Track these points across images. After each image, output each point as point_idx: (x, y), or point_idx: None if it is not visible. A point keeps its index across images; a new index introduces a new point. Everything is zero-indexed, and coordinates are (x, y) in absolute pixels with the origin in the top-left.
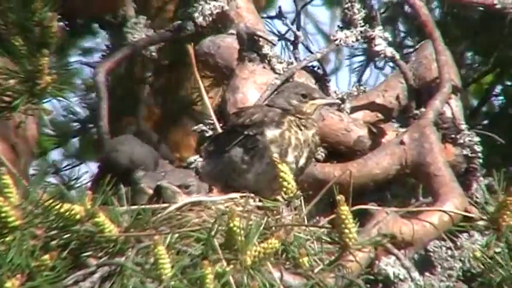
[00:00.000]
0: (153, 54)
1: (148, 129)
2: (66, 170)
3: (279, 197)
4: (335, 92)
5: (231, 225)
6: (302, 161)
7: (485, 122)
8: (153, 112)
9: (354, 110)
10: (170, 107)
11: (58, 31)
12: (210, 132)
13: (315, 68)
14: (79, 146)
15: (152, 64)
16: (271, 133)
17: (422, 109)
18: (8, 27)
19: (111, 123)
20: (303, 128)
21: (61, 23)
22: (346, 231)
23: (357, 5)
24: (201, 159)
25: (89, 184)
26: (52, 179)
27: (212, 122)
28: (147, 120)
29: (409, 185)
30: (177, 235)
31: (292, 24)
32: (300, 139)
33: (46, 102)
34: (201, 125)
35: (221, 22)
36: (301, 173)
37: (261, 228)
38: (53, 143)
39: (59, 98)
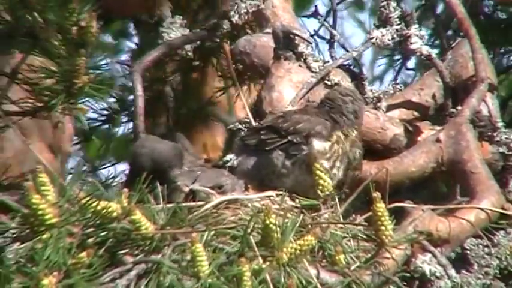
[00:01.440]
0: (189, 53)
1: (174, 131)
2: (102, 168)
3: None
4: (371, 91)
5: (267, 222)
6: (341, 173)
7: None
8: (180, 113)
9: (390, 108)
10: (196, 108)
11: (96, 31)
12: (246, 131)
13: (351, 67)
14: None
15: (178, 65)
16: (320, 145)
17: (459, 107)
18: (46, 27)
19: None
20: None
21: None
22: (383, 228)
23: (393, 4)
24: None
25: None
26: (89, 178)
27: (248, 120)
28: (174, 122)
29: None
30: (213, 232)
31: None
32: (347, 152)
33: (83, 101)
34: (237, 123)
35: (257, 21)
36: (341, 187)
37: (297, 225)
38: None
39: (96, 97)
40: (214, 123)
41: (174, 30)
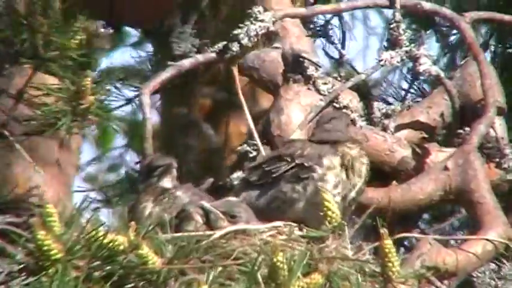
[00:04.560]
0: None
1: (199, 120)
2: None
3: (323, 226)
4: (379, 110)
5: (275, 260)
6: (356, 190)
7: None
8: (204, 103)
9: (398, 128)
10: (220, 98)
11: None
12: (254, 153)
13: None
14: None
15: None
16: (328, 160)
17: (467, 128)
18: (50, 48)
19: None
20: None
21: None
22: (390, 264)
23: (403, 26)
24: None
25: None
26: (94, 195)
27: (256, 142)
28: (199, 111)
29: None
30: (220, 268)
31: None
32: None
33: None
34: (245, 145)
35: (266, 36)
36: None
37: (305, 261)
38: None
39: (102, 117)
40: (238, 112)
41: (184, 40)
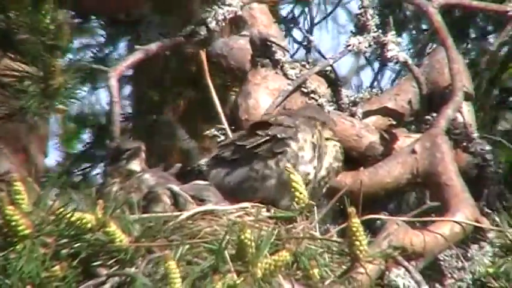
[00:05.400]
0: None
1: (172, 121)
2: (78, 172)
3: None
4: (347, 96)
5: (242, 237)
6: (325, 166)
7: None
8: (178, 104)
9: (366, 114)
10: (195, 98)
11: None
12: (222, 137)
13: (327, 73)
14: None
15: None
16: (304, 136)
17: (434, 114)
18: (20, 29)
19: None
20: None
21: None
22: (357, 243)
23: (370, 11)
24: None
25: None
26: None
27: (223, 127)
28: (172, 112)
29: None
30: (187, 246)
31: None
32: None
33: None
34: (213, 129)
35: (234, 23)
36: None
37: (272, 239)
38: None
39: (71, 99)
40: (213, 113)
41: (152, 29)
